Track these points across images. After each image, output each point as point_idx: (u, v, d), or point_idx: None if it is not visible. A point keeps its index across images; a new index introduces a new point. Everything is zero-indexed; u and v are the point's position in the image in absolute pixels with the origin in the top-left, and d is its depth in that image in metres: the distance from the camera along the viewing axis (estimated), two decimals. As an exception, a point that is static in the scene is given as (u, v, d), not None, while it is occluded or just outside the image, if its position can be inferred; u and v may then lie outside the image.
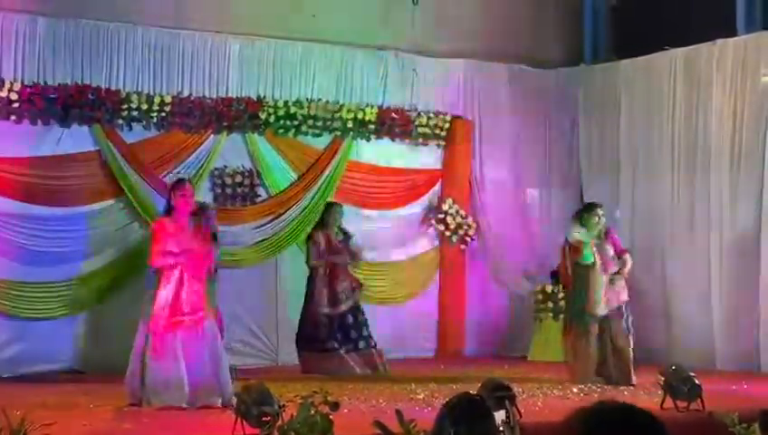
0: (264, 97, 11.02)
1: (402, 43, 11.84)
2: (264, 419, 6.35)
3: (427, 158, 12.13)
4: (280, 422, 6.17)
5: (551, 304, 11.78)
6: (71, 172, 10.17)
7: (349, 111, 11.42)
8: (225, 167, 10.93)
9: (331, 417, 5.84)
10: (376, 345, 10.45)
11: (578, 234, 9.51)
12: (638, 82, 11.85)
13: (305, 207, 11.29)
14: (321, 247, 10.33)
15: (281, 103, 11.08)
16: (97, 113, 10.14)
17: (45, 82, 9.95)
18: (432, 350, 12.09)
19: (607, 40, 12.84)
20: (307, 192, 11.32)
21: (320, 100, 11.32)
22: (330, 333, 10.26)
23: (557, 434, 2.34)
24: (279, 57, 11.14)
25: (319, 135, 11.43)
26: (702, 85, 11.12)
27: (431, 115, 11.98)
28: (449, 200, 12.11)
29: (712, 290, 10.89)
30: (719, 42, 10.98)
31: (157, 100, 10.41)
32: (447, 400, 3.73)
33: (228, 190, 10.90)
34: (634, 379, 9.32)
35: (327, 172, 11.43)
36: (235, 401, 6.82)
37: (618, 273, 9.44)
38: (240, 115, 10.88)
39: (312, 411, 5.82)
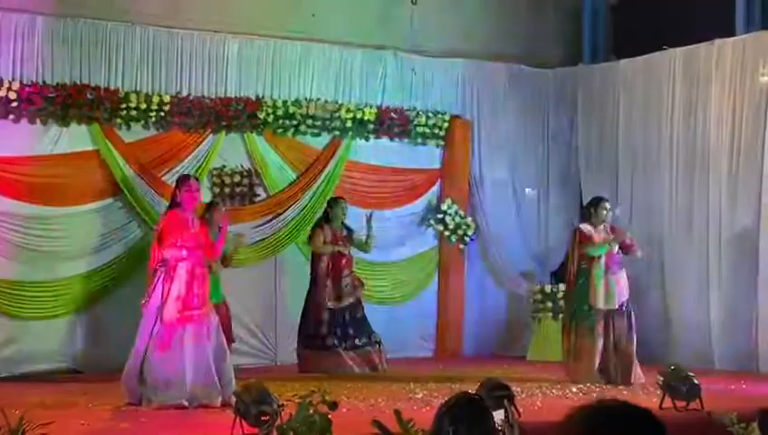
0: (263, 97, 11.01)
1: (401, 42, 11.84)
2: (262, 418, 6.35)
3: (426, 157, 12.12)
4: (278, 422, 6.17)
5: (549, 304, 11.78)
6: (69, 171, 10.16)
7: (348, 110, 11.42)
8: (224, 166, 10.92)
9: (329, 416, 5.84)
10: (379, 343, 10.46)
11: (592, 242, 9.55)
12: (637, 82, 11.85)
13: (304, 207, 11.29)
14: (328, 239, 10.37)
15: (280, 103, 11.07)
16: (95, 113, 10.13)
17: (44, 82, 9.94)
18: (431, 349, 12.10)
19: (606, 40, 12.85)
20: (306, 192, 11.32)
21: (319, 99, 11.32)
22: (331, 330, 10.27)
23: (556, 433, 2.33)
24: (278, 57, 11.13)
25: (318, 135, 11.43)
26: (701, 85, 11.13)
27: (430, 115, 11.98)
28: (448, 200, 12.11)
29: (710, 290, 10.89)
30: (718, 41, 10.98)
31: (155, 99, 10.40)
32: (446, 399, 3.72)
33: (227, 190, 10.89)
34: (635, 378, 9.32)
35: (326, 172, 11.42)
36: (233, 400, 6.81)
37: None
38: (239, 115, 10.87)
39: (311, 411, 5.82)
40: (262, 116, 10.97)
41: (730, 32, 11.06)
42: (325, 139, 11.48)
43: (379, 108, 11.65)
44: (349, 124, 11.45)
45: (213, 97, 10.74)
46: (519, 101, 12.52)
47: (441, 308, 12.17)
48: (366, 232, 10.57)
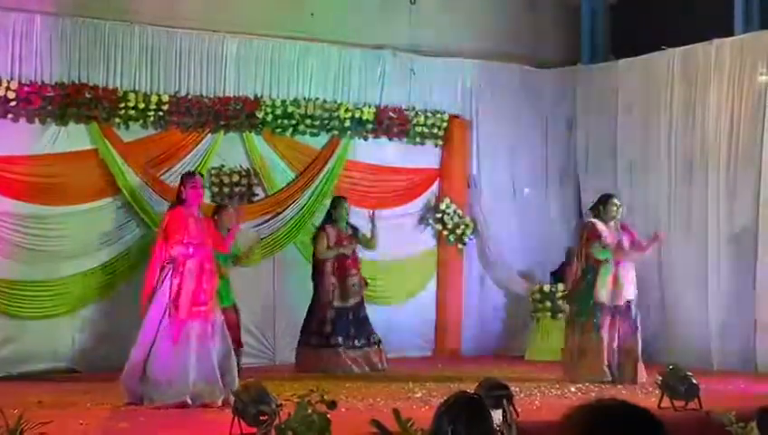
0: (262, 96, 11.01)
1: (400, 42, 11.84)
2: (261, 418, 6.35)
3: (425, 157, 12.12)
4: (277, 421, 6.17)
5: (548, 304, 11.78)
6: (68, 171, 10.15)
7: (346, 110, 11.42)
8: (223, 166, 10.91)
9: (328, 416, 5.84)
10: (379, 343, 10.46)
11: (597, 244, 9.53)
12: (636, 82, 11.85)
13: (303, 207, 11.29)
14: (332, 242, 10.37)
15: (278, 102, 11.07)
16: (94, 112, 10.13)
17: (42, 81, 9.93)
18: (430, 349, 12.09)
19: (605, 40, 12.85)
20: (305, 191, 11.32)
21: (317, 99, 11.31)
22: (335, 328, 10.28)
23: (555, 433, 2.33)
24: (277, 56, 11.13)
25: (316, 134, 11.42)
26: (699, 85, 11.13)
27: (429, 114, 11.98)
28: (447, 200, 12.11)
29: (709, 289, 10.89)
30: (716, 42, 10.98)
31: (154, 99, 10.39)
32: (445, 399, 3.72)
33: (226, 189, 10.88)
34: (641, 377, 9.32)
35: (324, 171, 11.42)
36: (232, 399, 6.81)
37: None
38: (237, 114, 10.87)
39: (310, 410, 5.82)
40: (260, 115, 10.96)
41: (728, 32, 11.07)
42: (324, 138, 11.47)
43: (377, 107, 11.65)
44: (347, 124, 11.45)
45: (211, 96, 10.74)
46: (518, 100, 12.51)
47: (440, 308, 12.17)
48: (371, 229, 10.59)
